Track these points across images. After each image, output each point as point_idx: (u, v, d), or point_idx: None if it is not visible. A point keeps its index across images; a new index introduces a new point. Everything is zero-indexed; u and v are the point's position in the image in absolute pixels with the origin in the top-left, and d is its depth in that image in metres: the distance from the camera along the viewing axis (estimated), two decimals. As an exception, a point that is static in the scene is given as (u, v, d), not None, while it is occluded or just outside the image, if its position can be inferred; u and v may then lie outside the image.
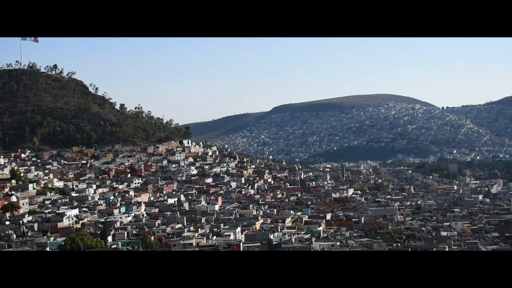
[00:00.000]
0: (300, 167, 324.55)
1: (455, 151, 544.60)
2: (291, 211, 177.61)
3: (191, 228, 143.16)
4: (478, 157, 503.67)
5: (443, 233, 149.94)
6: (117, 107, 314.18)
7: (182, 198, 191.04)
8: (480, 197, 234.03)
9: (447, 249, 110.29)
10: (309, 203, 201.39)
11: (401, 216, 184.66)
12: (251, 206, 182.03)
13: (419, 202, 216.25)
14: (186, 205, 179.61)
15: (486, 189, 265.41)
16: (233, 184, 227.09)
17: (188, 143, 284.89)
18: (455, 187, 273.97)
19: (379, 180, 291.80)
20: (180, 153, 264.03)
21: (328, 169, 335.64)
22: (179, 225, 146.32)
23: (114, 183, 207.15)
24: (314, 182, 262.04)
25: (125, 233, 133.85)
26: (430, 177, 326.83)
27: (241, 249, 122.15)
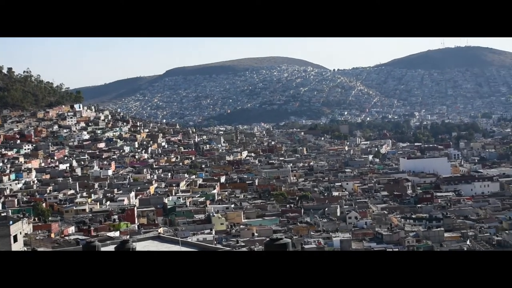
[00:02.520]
0: (194, 130, 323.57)
1: (346, 113, 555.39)
2: (186, 174, 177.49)
3: (84, 194, 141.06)
4: (368, 118, 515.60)
5: (335, 193, 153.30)
6: (5, 71, 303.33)
7: (74, 163, 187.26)
8: (370, 157, 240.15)
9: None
10: (203, 166, 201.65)
11: (294, 177, 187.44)
12: (145, 170, 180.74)
13: (311, 163, 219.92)
14: (78, 171, 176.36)
15: (376, 149, 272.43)
16: (126, 149, 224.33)
17: (80, 108, 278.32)
18: (346, 148, 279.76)
19: (272, 142, 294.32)
20: (71, 118, 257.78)
21: (222, 132, 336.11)
22: (72, 191, 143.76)
23: (3, 150, 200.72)
24: (208, 145, 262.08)
25: (16, 200, 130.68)
26: (322, 138, 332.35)
27: (135, 213, 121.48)
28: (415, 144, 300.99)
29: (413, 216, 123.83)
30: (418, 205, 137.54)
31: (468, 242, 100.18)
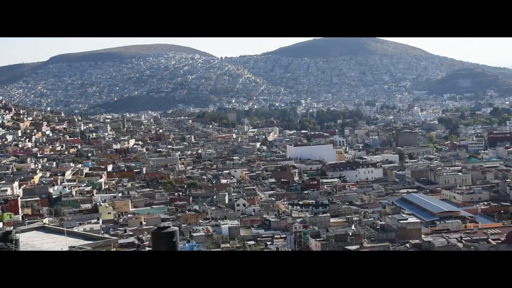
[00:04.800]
0: (80, 118, 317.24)
1: (233, 101, 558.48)
2: (71, 163, 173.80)
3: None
4: (255, 106, 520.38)
5: (223, 181, 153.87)
6: None
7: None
8: (258, 144, 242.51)
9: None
10: (89, 155, 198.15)
11: (182, 166, 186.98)
12: (28, 159, 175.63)
13: (199, 151, 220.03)
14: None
15: (263, 136, 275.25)
16: (9, 137, 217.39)
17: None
18: (234, 136, 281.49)
19: (160, 130, 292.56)
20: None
21: (108, 120, 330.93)
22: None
23: None
24: (94, 134, 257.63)
25: None
26: (210, 126, 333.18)
27: (19, 204, 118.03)
28: (302, 131, 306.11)
29: (300, 203, 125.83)
30: (305, 192, 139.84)
31: (353, 227, 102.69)
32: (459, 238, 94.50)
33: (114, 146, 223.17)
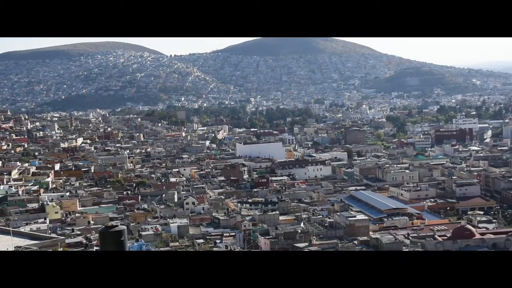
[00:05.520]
0: (27, 117, 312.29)
1: (183, 99, 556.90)
2: (18, 162, 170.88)
3: None
4: (205, 104, 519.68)
5: (172, 179, 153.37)
6: None
7: None
8: (207, 143, 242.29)
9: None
10: (36, 154, 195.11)
11: (131, 164, 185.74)
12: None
13: (148, 149, 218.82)
14: None
15: (213, 135, 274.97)
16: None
17: None
18: (184, 134, 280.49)
19: (109, 129, 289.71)
20: None
21: (56, 119, 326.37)
22: None
23: None
24: (41, 132, 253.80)
25: None
26: (159, 124, 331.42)
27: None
28: (251, 129, 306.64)
29: (249, 201, 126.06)
30: (254, 190, 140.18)
31: (302, 225, 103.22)
32: (406, 235, 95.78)
33: (62, 145, 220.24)
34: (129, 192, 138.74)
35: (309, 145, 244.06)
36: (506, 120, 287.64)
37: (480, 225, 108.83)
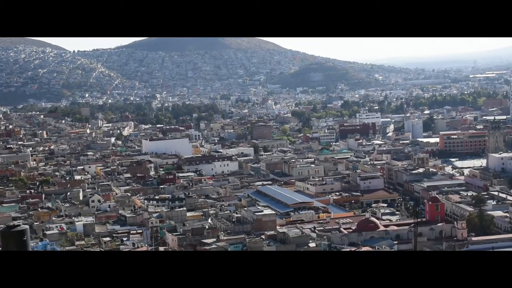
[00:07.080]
0: None
1: (87, 95, 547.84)
2: None
3: None
4: (110, 101, 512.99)
5: (77, 177, 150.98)
6: None
7: None
8: (113, 139, 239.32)
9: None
10: None
11: (34, 162, 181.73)
12: None
13: (52, 147, 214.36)
14: None
15: (118, 131, 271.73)
16: None
17: None
18: (88, 131, 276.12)
19: (10, 126, 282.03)
20: None
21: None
22: None
23: None
24: None
25: None
26: (63, 121, 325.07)
27: None
28: (157, 125, 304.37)
29: (156, 197, 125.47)
30: (161, 186, 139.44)
31: (209, 221, 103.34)
32: (312, 228, 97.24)
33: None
34: (32, 190, 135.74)
35: (216, 141, 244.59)
36: (408, 114, 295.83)
37: (384, 217, 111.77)
